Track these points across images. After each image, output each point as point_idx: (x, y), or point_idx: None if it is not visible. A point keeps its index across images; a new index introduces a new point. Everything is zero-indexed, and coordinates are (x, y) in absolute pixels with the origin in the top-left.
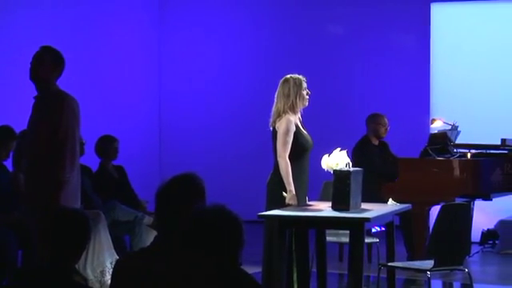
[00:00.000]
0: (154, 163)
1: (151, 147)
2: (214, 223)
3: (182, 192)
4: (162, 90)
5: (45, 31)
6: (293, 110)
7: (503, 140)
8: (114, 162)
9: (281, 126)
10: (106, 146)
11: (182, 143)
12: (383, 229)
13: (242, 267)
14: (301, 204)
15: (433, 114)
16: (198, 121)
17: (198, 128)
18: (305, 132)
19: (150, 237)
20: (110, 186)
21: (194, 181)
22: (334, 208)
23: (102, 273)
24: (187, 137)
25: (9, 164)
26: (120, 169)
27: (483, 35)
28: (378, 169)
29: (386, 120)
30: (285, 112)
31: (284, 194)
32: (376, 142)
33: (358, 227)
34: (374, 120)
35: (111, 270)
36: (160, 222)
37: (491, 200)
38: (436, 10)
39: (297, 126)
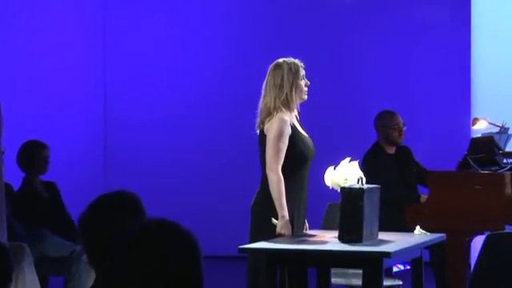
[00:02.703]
0: (98, 179)
1: (94, 157)
2: (155, 244)
3: (112, 215)
4: (107, 82)
5: None
6: (287, 105)
7: None
8: (44, 177)
9: (271, 128)
10: (33, 155)
11: (135, 152)
12: (408, 267)
13: None
14: (297, 233)
15: (475, 112)
16: (158, 124)
17: (157, 133)
18: (305, 135)
19: (91, 278)
20: (37, 209)
21: (128, 198)
22: (342, 239)
23: None
24: (142, 145)
25: None
26: (51, 186)
27: None
28: (389, 189)
29: (397, 119)
30: (276, 109)
31: (274, 220)
32: (392, 150)
33: (374, 265)
34: (381, 122)
35: None
36: (91, 258)
37: None
38: None
39: (293, 128)
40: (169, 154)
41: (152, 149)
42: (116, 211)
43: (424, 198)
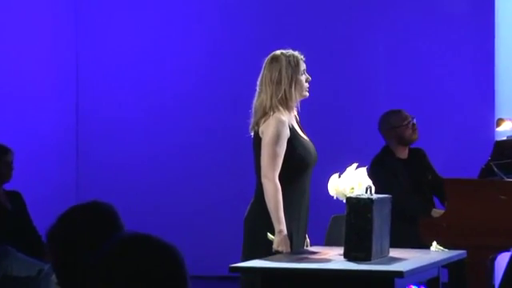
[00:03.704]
0: (69, 188)
1: (64, 163)
2: (136, 264)
3: (85, 229)
4: (80, 79)
5: None
6: (285, 104)
7: None
8: (7, 186)
9: (267, 130)
10: None
11: (111, 158)
12: None
13: None
14: (296, 250)
15: (499, 112)
16: (136, 126)
17: (136, 137)
18: (305, 138)
19: None
20: None
21: (103, 210)
22: (349, 257)
23: None
24: (119, 150)
25: None
26: (15, 197)
27: None
28: (402, 200)
29: (404, 114)
30: (273, 108)
31: (270, 235)
32: (404, 154)
33: (384, 286)
34: (387, 125)
35: None
36: (62, 278)
37: None
38: None
39: (292, 129)
40: (149, 158)
41: (130, 154)
42: (89, 225)
43: (436, 211)
